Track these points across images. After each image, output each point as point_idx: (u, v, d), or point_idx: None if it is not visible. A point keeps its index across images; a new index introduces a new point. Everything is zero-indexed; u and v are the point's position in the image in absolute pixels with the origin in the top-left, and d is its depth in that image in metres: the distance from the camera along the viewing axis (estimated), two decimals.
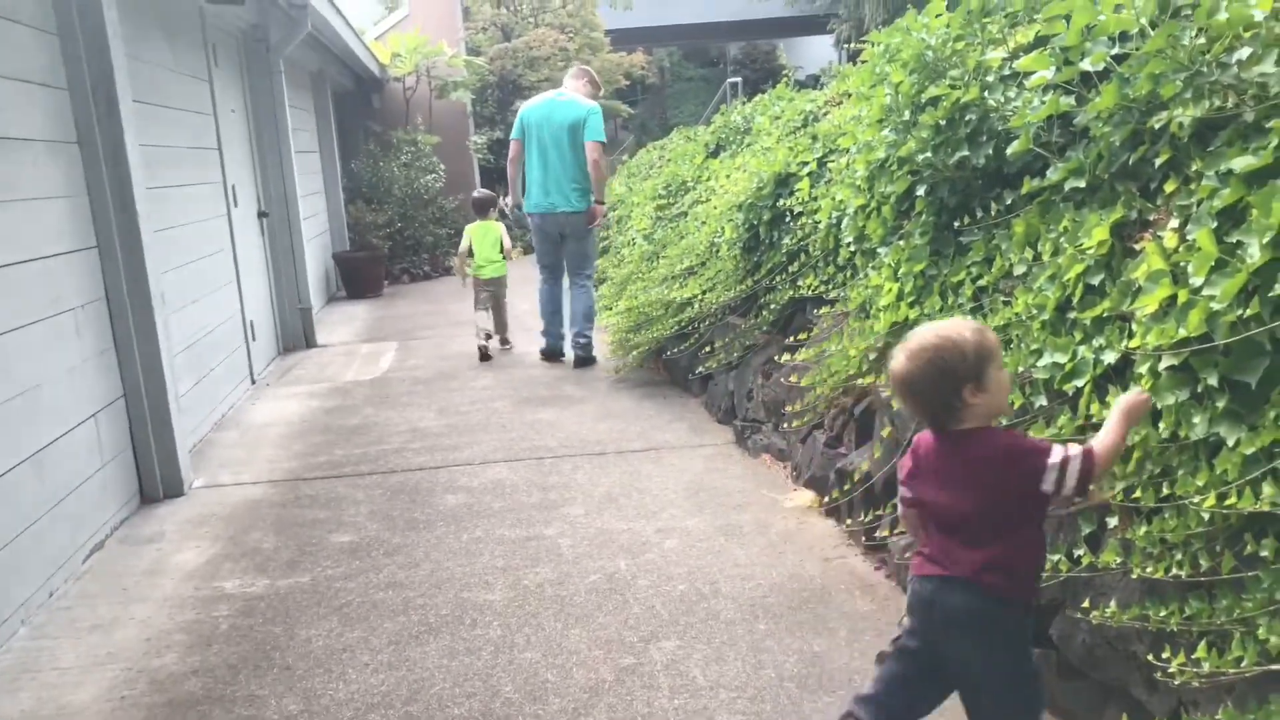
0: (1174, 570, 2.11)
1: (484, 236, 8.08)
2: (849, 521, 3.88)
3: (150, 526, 4.56)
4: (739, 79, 19.50)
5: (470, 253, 8.06)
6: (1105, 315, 2.61)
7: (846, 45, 18.00)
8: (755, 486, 4.61)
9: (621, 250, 8.60)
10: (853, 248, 4.23)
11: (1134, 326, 2.51)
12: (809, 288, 4.67)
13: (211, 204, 6.78)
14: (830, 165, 4.87)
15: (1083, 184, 2.91)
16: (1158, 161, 2.66)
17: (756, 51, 28.25)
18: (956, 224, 3.43)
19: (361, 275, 11.57)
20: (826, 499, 4.14)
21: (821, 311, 4.41)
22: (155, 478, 4.91)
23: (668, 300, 6.13)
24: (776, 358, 4.97)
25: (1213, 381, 2.15)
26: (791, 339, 4.69)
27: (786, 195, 5.12)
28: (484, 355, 7.77)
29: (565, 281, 7.61)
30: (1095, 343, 2.61)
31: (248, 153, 8.11)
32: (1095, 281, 2.70)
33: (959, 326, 2.17)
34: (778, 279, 5.08)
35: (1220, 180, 2.36)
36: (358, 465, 5.29)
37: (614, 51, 18.84)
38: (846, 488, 3.80)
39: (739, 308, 5.72)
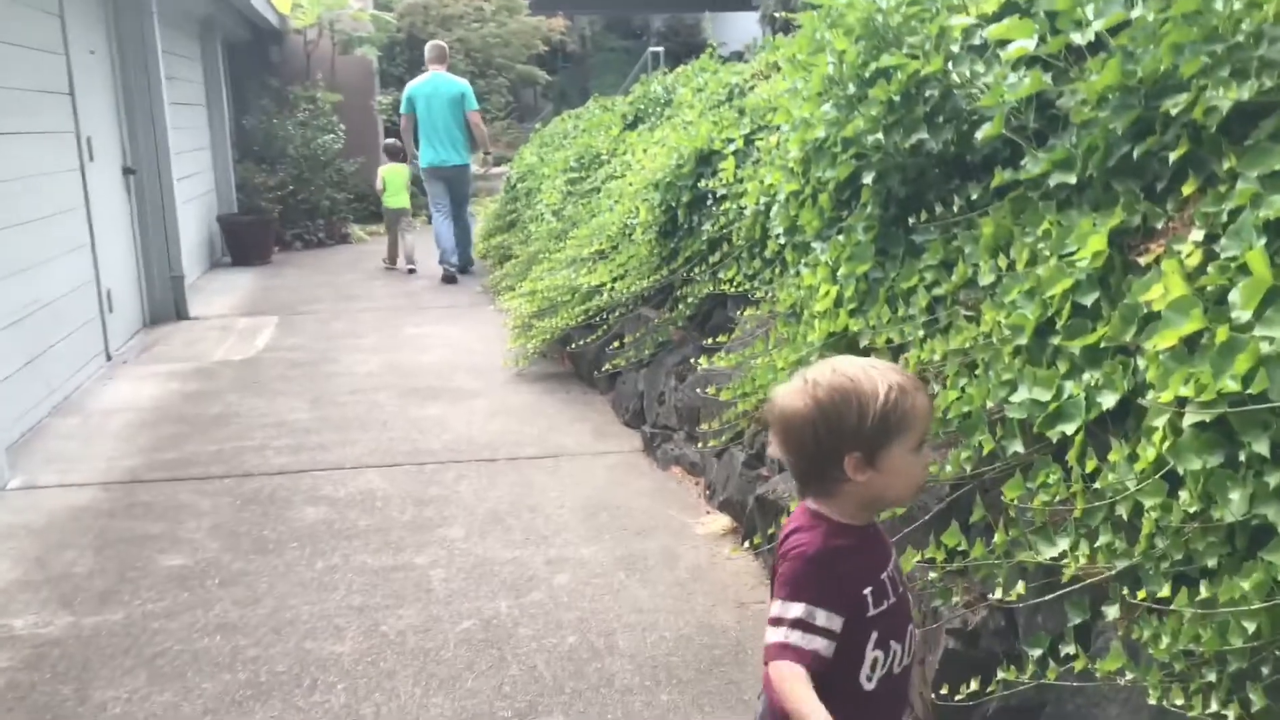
0: (1214, 707, 1.59)
1: (396, 176, 10.24)
2: (770, 561, 3.34)
3: None
4: (660, 49, 18.85)
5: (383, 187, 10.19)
6: (1101, 345, 2.09)
7: (773, 21, 17.52)
8: (663, 505, 4.05)
9: (529, 226, 7.96)
10: (783, 240, 3.67)
11: (1140, 362, 2.00)
12: (731, 282, 4.11)
13: (57, 156, 5.94)
14: (759, 144, 4.31)
15: (1071, 179, 2.38)
16: (1171, 156, 2.15)
17: (680, 25, 27.61)
18: (910, 220, 2.90)
19: (248, 241, 10.68)
20: (743, 528, 3.61)
21: (745, 313, 3.85)
22: None
23: (574, 286, 5.52)
24: (692, 359, 4.42)
25: (1261, 448, 1.64)
26: (710, 340, 4.13)
27: (709, 175, 4.55)
28: (391, 265, 10.26)
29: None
30: (1088, 378, 2.09)
31: (111, 101, 7.24)
32: (1087, 301, 2.18)
33: (880, 374, 1.56)
34: (696, 270, 4.52)
35: (1265, 184, 1.85)
36: (209, 466, 4.58)
37: (532, 15, 18.03)
38: (771, 531, 3.25)
39: (653, 299, 5.15)
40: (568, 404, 5.50)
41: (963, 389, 2.41)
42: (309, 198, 11.88)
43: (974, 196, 2.72)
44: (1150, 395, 1.92)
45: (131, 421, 5.28)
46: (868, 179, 3.04)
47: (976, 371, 2.43)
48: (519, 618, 3.16)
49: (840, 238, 3.18)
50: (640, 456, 4.65)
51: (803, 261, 3.46)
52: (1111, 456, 1.94)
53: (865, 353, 2.84)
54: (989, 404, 2.32)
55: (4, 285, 4.94)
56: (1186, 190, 2.10)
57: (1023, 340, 2.29)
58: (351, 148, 12.72)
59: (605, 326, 5.29)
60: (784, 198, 3.66)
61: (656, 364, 4.83)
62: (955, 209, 2.75)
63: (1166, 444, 1.81)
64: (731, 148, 4.50)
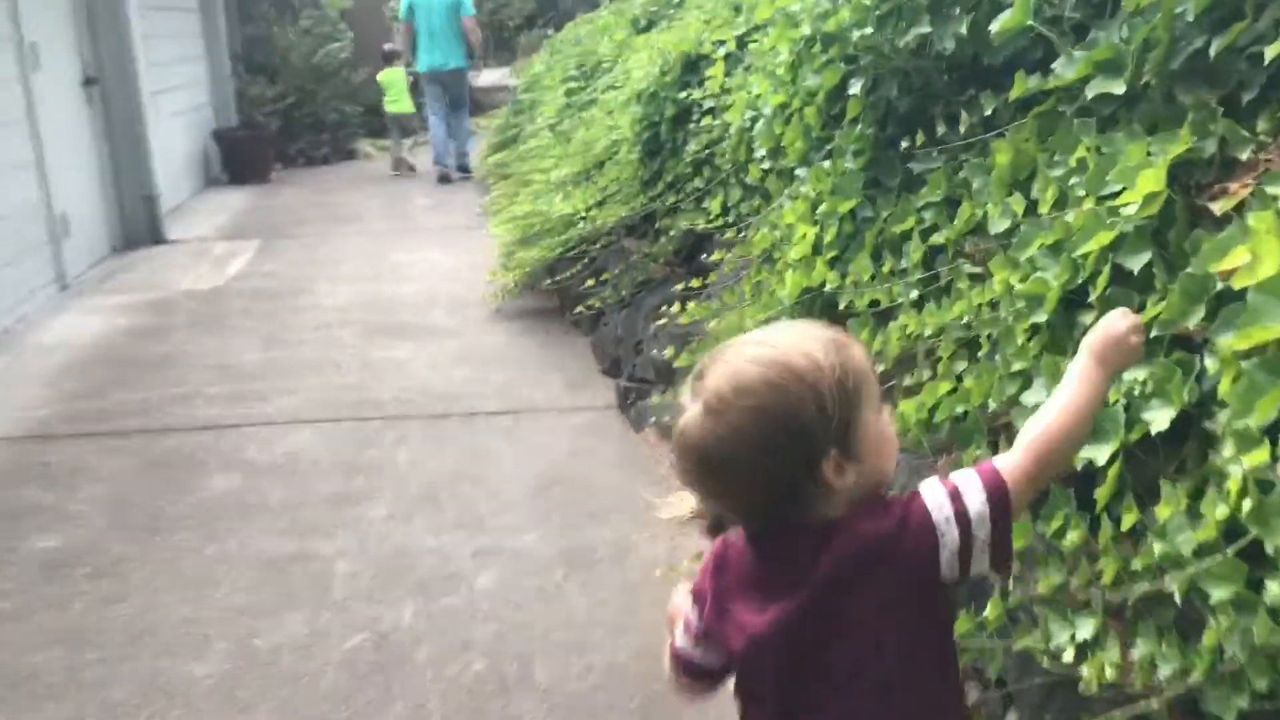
0: None
1: (395, 80, 10.18)
2: None
3: None
4: None
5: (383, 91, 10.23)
6: (1152, 332, 1.43)
7: None
8: (629, 479, 3.46)
9: (529, 141, 7.28)
10: (766, 165, 3.00)
11: (1209, 363, 1.35)
12: (714, 214, 3.44)
13: None
14: (752, 45, 3.60)
15: (1118, 88, 1.69)
16: (1267, 53, 1.46)
17: None
18: (906, 143, 2.22)
19: (245, 158, 10.09)
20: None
21: (715, 256, 3.20)
22: None
23: (556, 212, 4.87)
24: (675, 303, 3.78)
25: None
26: (697, 282, 3.48)
27: (696, 84, 3.85)
28: (396, 169, 10.28)
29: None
30: (1131, 380, 1.44)
31: (65, 4, 6.61)
32: (1134, 265, 1.52)
33: (801, 339, 1.11)
34: (680, 196, 3.85)
35: None
36: (129, 418, 4.06)
37: None
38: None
39: (638, 228, 4.49)
40: (545, 347, 4.89)
41: (958, 380, 1.76)
42: (313, 111, 11.23)
43: (989, 112, 2.03)
44: (1224, 419, 1.27)
45: (63, 363, 4.78)
46: (856, 88, 2.35)
47: (979, 354, 1.78)
48: (423, 633, 2.60)
49: (826, 164, 2.51)
50: (613, 415, 4.05)
51: (785, 193, 2.79)
52: (1161, 510, 1.30)
53: (843, 319, 2.19)
54: (992, 404, 1.67)
55: None
56: None
57: (1042, 315, 1.63)
58: (361, 57, 12.00)
59: (587, 258, 4.66)
60: (770, 111, 2.98)
61: (635, 306, 4.20)
62: (965, 128, 2.07)
63: (1247, 503, 1.17)
64: (722, 51, 3.79)
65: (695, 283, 3.26)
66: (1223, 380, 1.27)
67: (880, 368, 1.97)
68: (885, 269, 2.12)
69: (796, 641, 1.11)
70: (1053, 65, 1.84)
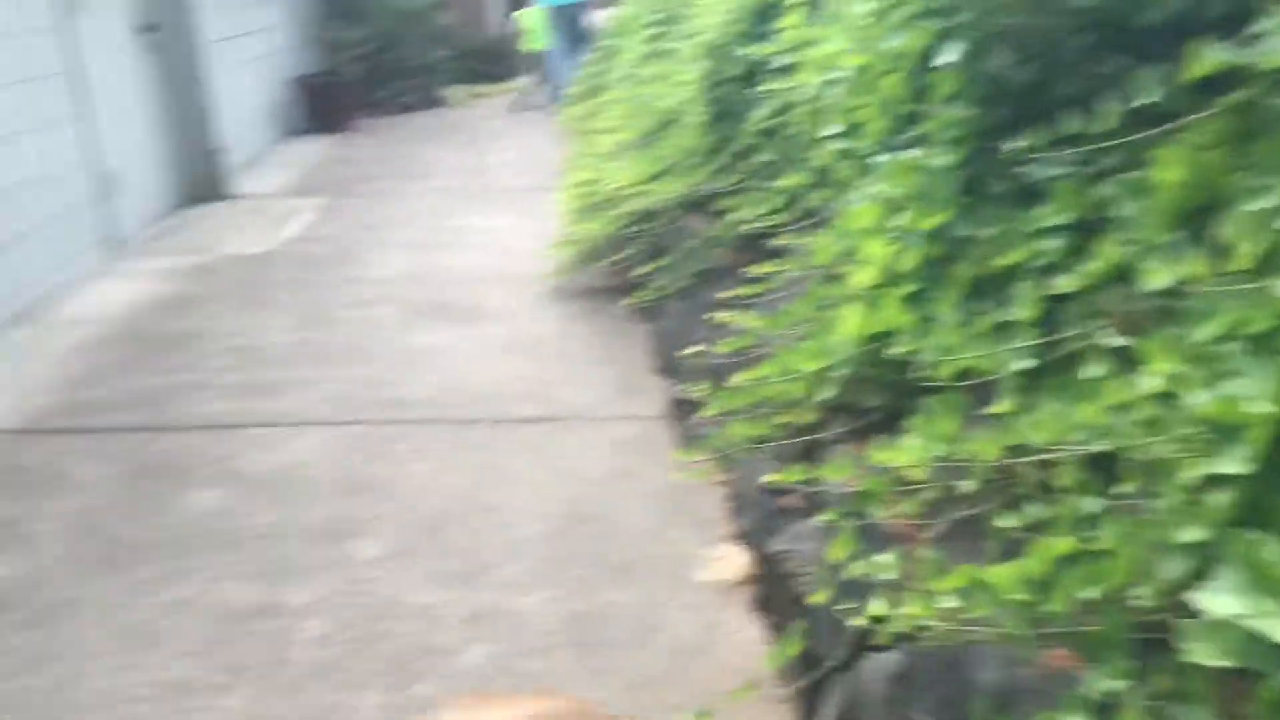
0: None
1: (533, 18, 10.31)
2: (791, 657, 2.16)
3: None
4: None
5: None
6: None
7: None
8: (668, 519, 2.88)
9: (605, 93, 6.67)
10: (839, 145, 2.34)
11: None
12: (775, 202, 2.81)
13: (14, 12, 4.97)
14: None
15: None
16: None
17: None
18: (1020, 138, 1.56)
19: (326, 105, 9.71)
20: (760, 582, 2.43)
21: (763, 269, 2.56)
22: None
23: (611, 182, 4.28)
24: (738, 296, 3.17)
25: None
26: (740, 282, 2.87)
27: (766, 36, 3.19)
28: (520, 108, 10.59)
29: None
30: None
31: None
32: None
33: None
34: (744, 174, 3.22)
35: None
36: (128, 411, 3.66)
37: None
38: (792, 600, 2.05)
39: (702, 204, 3.86)
40: (600, 336, 4.32)
41: (1087, 530, 1.13)
42: (399, 56, 10.78)
43: (1149, 98, 1.36)
44: None
45: (82, 339, 4.41)
46: (952, 53, 1.69)
47: (1123, 492, 1.14)
48: None
49: (911, 155, 1.85)
50: (663, 428, 3.46)
51: (858, 183, 2.14)
52: None
53: (914, 391, 1.56)
54: (1144, 593, 1.04)
55: None
56: None
57: (1233, 461, 0.98)
58: None
59: (646, 236, 4.06)
60: (848, 76, 2.32)
61: (692, 299, 3.59)
62: (1109, 121, 1.40)
63: None
64: None
65: (744, 290, 2.64)
66: None
67: (961, 485, 1.35)
68: (983, 322, 1.48)
69: None
70: (1254, 28, 1.17)
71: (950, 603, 1.22)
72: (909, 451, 1.47)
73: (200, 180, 7.00)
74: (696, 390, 2.40)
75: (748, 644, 2.36)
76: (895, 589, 1.40)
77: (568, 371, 3.96)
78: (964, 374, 1.51)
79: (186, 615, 2.51)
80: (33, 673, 2.31)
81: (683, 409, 3.39)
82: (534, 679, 2.25)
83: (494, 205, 6.72)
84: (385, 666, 2.31)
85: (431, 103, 11.02)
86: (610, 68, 7.39)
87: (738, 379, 2.21)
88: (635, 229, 4.06)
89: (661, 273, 3.77)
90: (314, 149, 8.98)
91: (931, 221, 1.70)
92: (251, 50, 8.51)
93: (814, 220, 2.48)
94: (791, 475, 1.90)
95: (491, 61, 12.91)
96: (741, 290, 2.66)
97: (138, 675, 2.30)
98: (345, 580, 2.64)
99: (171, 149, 6.81)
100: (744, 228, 3.27)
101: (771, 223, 2.84)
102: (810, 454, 2.13)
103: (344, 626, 2.45)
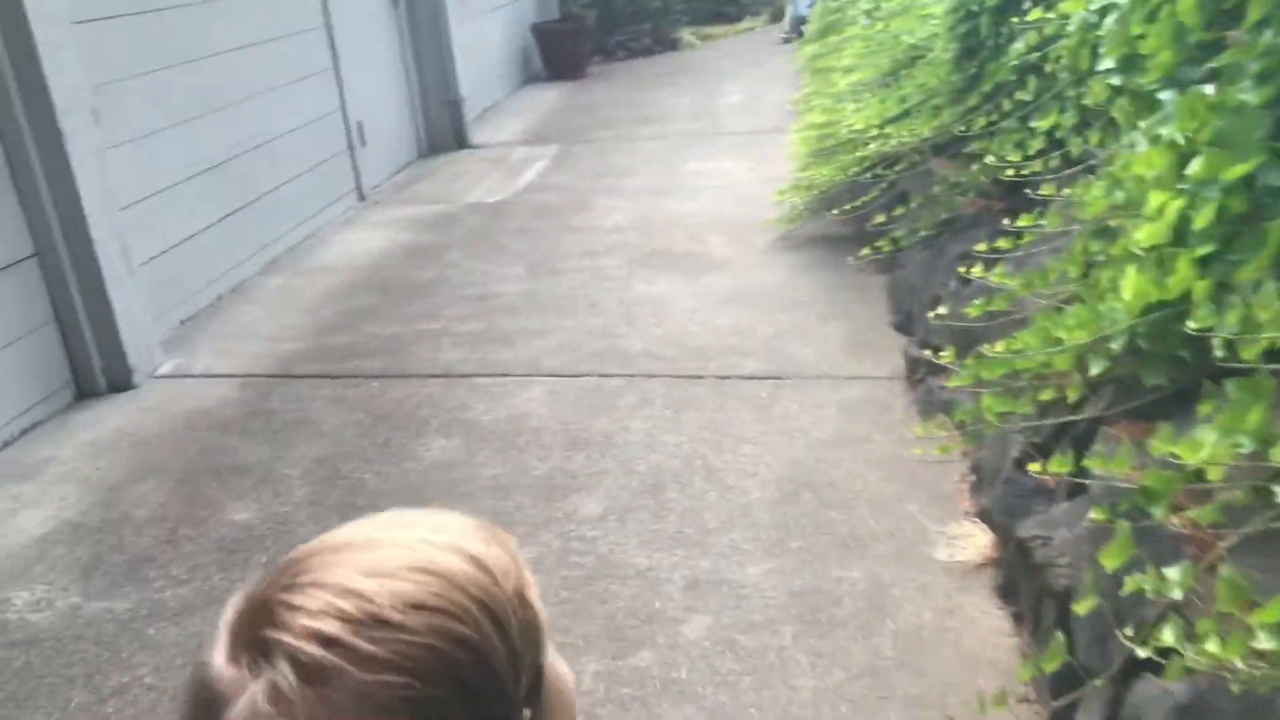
0: None
1: None
2: (1038, 661, 1.95)
3: (49, 447, 3.31)
4: None
5: None
6: None
7: None
8: (901, 491, 2.69)
9: (844, 29, 6.34)
10: (1115, 80, 2.05)
11: None
12: (1035, 144, 2.52)
13: None
14: None
15: None
16: None
17: None
18: None
19: (561, 52, 9.78)
20: (1003, 565, 2.22)
21: (1021, 222, 2.28)
22: (92, 365, 3.65)
23: (849, 124, 4.03)
24: (986, 247, 2.90)
25: None
26: (993, 234, 2.61)
27: None
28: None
29: None
30: None
31: None
32: None
33: (466, 542, 0.63)
34: (999, 114, 2.92)
35: None
36: (370, 358, 3.79)
37: None
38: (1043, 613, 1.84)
39: (949, 148, 3.57)
40: (829, 288, 4.11)
41: None
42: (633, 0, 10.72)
43: None
44: None
45: (331, 287, 4.62)
46: None
47: None
48: (598, 701, 2.05)
49: (1207, 90, 1.57)
50: (897, 390, 3.24)
51: (1139, 127, 1.85)
52: None
53: (1213, 373, 1.31)
54: None
55: (202, 124, 4.36)
56: None
57: None
58: None
59: (885, 183, 3.80)
60: (1126, 2, 2.02)
61: (936, 249, 3.32)
62: None
63: None
64: None
65: (1004, 243, 2.38)
66: None
67: (1275, 489, 1.11)
68: None
69: None
70: None
71: (1266, 642, 1.00)
72: (1204, 444, 1.24)
73: (442, 130, 7.21)
74: (941, 355, 2.19)
75: (988, 634, 2.15)
76: (1184, 611, 1.18)
77: (794, 325, 3.79)
78: (1275, 354, 1.25)
79: None
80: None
81: (920, 370, 3.16)
82: (756, 657, 2.14)
83: (724, 149, 6.56)
84: (604, 630, 2.27)
85: (664, 45, 10.91)
86: (848, 3, 7.03)
87: (990, 346, 1.98)
88: (873, 174, 3.81)
89: (901, 221, 3.52)
90: (549, 96, 9.09)
91: (1234, 170, 1.42)
92: (490, 0, 8.66)
93: (1081, 166, 2.19)
94: (1059, 465, 1.67)
95: (725, 2, 12.66)
96: (995, 244, 2.40)
97: None
98: (566, 537, 2.62)
99: (414, 99, 7.04)
100: (996, 174, 2.98)
101: (1029, 169, 2.55)
102: (1072, 435, 1.89)
103: (564, 585, 2.43)
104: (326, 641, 0.56)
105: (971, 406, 2.09)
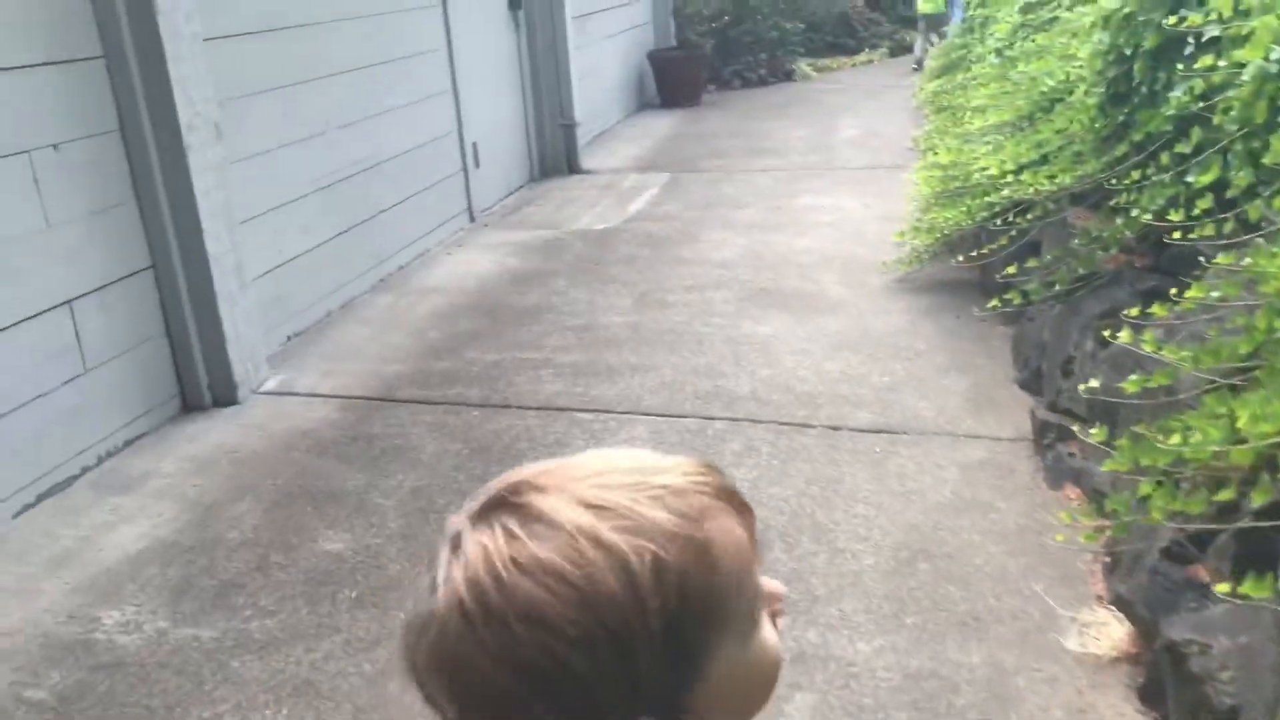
0: None
1: None
2: None
3: (151, 459, 3.32)
4: None
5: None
6: None
7: None
8: (1026, 568, 2.49)
9: (972, 68, 6.13)
10: None
11: None
12: (1197, 200, 2.31)
13: None
14: None
15: None
16: None
17: None
18: None
19: (676, 79, 9.73)
20: (1144, 659, 2.02)
21: (1192, 293, 2.08)
22: (198, 379, 3.66)
23: (980, 167, 3.84)
24: (1130, 310, 2.69)
25: None
26: (1143, 296, 2.41)
27: (1193, 4, 2.66)
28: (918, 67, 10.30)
29: None
30: None
31: None
32: None
33: (635, 523, 0.59)
34: (1151, 166, 2.72)
35: None
36: (472, 386, 3.73)
37: None
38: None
39: (1090, 198, 3.35)
40: (950, 336, 3.91)
41: None
42: (751, 29, 10.63)
43: None
44: None
45: (437, 308, 4.60)
46: None
47: None
48: None
49: None
50: (1023, 453, 3.04)
51: None
52: None
53: None
54: None
55: (322, 142, 4.40)
56: None
57: None
58: None
59: (1016, 230, 3.60)
60: None
61: (1071, 306, 3.11)
62: None
63: None
64: None
65: (1159, 310, 2.18)
66: None
67: None
68: None
69: None
70: None
71: None
72: None
73: (554, 154, 7.21)
74: (1090, 432, 2.00)
75: None
76: None
77: (910, 375, 3.61)
78: None
79: None
80: (356, 658, 2.33)
81: (1049, 434, 2.95)
82: None
83: (838, 184, 6.40)
84: None
85: (780, 76, 10.80)
86: (975, 40, 6.81)
87: (1146, 426, 1.79)
88: (1003, 221, 3.61)
89: (1033, 273, 3.32)
90: (662, 123, 9.04)
91: None
92: (608, 26, 8.67)
93: (1256, 232, 1.99)
94: (1256, 588, 1.47)
95: (843, 34, 12.50)
96: (1149, 310, 2.20)
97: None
98: None
99: (529, 123, 7.04)
100: (1146, 229, 2.77)
101: (1197, 232, 2.34)
102: (1237, 536, 1.69)
103: None
104: (452, 611, 0.59)
105: (1124, 495, 1.89)
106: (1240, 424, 1.52)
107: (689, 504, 0.62)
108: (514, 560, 0.58)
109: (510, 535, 0.60)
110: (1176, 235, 2.20)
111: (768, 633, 0.67)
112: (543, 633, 0.57)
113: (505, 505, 0.62)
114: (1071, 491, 2.74)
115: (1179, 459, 1.68)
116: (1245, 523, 1.61)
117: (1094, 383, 2.03)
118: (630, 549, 0.59)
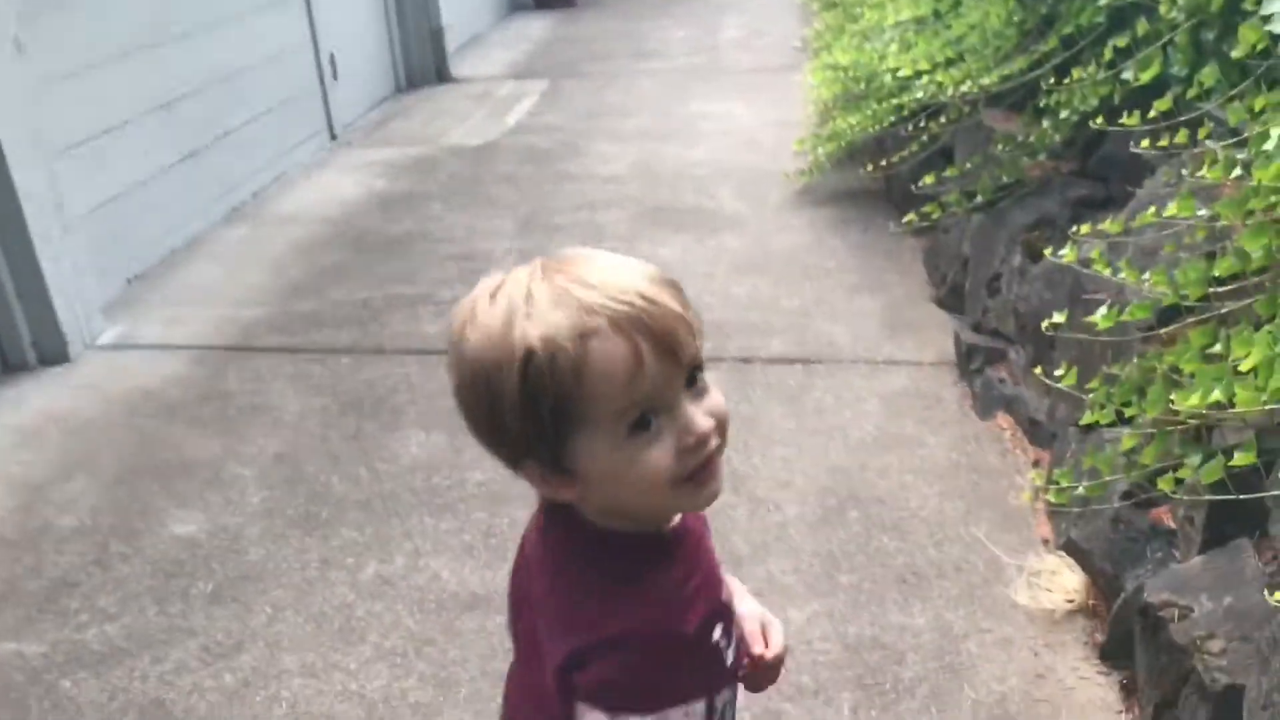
0: None
1: None
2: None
3: None
4: None
5: None
6: None
7: None
8: (964, 510, 2.29)
9: None
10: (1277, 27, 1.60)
11: None
12: (1133, 84, 2.07)
13: None
14: None
15: None
16: None
17: None
18: None
19: None
20: (1104, 615, 1.83)
21: (1158, 211, 1.83)
22: (18, 333, 3.18)
23: (887, 67, 3.56)
24: (1060, 222, 2.48)
25: None
26: (1076, 202, 2.17)
27: None
28: None
29: None
30: None
31: None
32: None
33: (536, 309, 0.79)
34: (1082, 60, 2.47)
35: None
36: (340, 329, 3.35)
37: None
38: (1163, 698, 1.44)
39: (1007, 98, 3.11)
40: (860, 252, 3.67)
41: None
42: None
43: None
44: None
45: (298, 240, 4.15)
46: None
47: None
48: None
49: None
50: (947, 378, 2.82)
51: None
52: None
53: None
54: None
55: (153, 56, 3.87)
56: None
57: None
58: None
59: (926, 137, 3.35)
60: None
61: (995, 218, 2.88)
62: None
63: None
64: None
65: (1111, 226, 1.94)
66: None
67: None
68: None
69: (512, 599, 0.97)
70: None
71: None
72: None
73: (421, 62, 6.65)
74: (1058, 376, 1.75)
75: (1091, 708, 1.77)
76: None
77: (821, 296, 3.36)
78: None
79: (389, 601, 2.14)
80: (215, 666, 1.99)
81: (976, 358, 2.74)
82: None
83: (728, 89, 6.06)
84: None
85: None
86: None
87: (1120, 365, 1.55)
88: (913, 127, 3.35)
89: (950, 182, 3.07)
90: (537, 26, 8.51)
91: None
92: None
93: (1210, 138, 1.75)
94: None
95: None
96: (1100, 225, 1.95)
97: (335, 679, 1.94)
98: None
99: (391, 29, 6.46)
100: (1069, 131, 2.53)
101: (1129, 134, 2.10)
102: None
103: None
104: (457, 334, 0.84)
105: (1108, 453, 1.66)
106: (1244, 366, 1.29)
107: (589, 324, 0.76)
108: (477, 313, 0.82)
109: (493, 295, 0.82)
110: (1144, 144, 1.96)
111: (652, 450, 0.80)
112: (464, 366, 0.82)
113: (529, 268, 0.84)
114: (1004, 420, 2.55)
115: (1169, 410, 1.45)
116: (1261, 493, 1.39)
117: (1058, 318, 1.78)
118: (518, 334, 0.77)
